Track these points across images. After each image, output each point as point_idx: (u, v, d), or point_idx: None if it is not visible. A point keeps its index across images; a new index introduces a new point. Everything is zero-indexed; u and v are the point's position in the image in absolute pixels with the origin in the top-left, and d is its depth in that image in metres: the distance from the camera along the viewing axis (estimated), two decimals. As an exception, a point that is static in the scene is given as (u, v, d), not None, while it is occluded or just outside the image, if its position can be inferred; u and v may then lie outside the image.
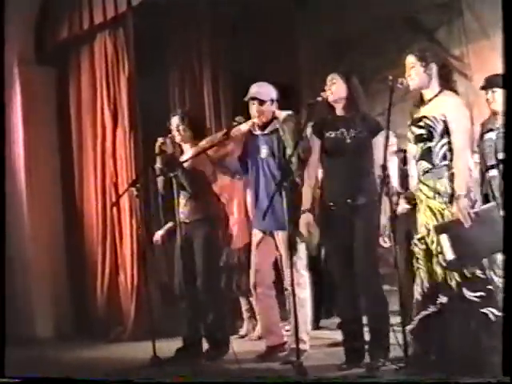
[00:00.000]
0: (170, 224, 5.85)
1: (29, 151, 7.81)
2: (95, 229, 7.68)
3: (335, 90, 4.67)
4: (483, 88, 5.21)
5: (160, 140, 5.54)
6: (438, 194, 4.09)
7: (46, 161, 7.97)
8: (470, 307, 4.00)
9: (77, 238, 7.91)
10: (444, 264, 4.03)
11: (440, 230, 4.04)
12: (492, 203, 4.37)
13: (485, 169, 5.11)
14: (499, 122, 5.01)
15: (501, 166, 4.97)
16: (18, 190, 7.69)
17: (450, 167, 4.12)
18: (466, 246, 3.99)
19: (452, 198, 4.05)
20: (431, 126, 4.14)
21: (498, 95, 5.07)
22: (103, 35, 7.61)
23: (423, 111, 4.22)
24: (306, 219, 4.70)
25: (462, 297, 4.02)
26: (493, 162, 5.04)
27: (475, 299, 4.00)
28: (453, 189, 4.05)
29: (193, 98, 7.85)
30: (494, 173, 5.04)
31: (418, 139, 4.19)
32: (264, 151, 5.16)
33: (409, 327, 4.15)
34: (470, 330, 3.98)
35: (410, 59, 4.26)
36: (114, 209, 7.29)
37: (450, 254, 3.99)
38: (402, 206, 5.47)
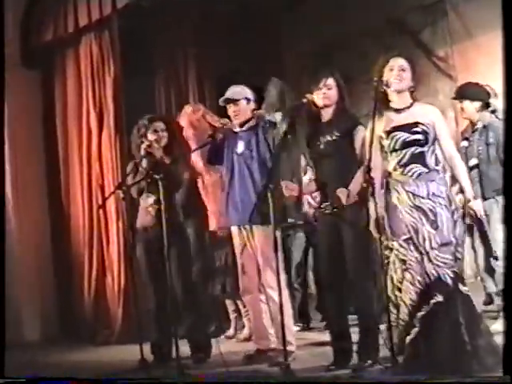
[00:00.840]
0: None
1: (14, 154, 7.78)
2: (82, 231, 7.66)
3: (329, 95, 4.67)
4: (454, 99, 5.34)
5: (146, 142, 5.52)
6: (433, 194, 4.16)
7: (31, 163, 7.95)
8: (466, 301, 4.09)
9: (63, 241, 7.89)
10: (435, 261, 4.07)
11: None
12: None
13: None
14: (476, 128, 5.22)
15: (471, 174, 5.11)
16: (4, 193, 7.65)
17: (439, 172, 4.24)
18: None
19: (450, 199, 4.20)
20: (427, 132, 4.22)
21: (465, 105, 5.25)
22: (88, 38, 7.61)
23: (403, 118, 4.25)
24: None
25: (459, 292, 4.09)
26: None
27: (468, 293, 4.12)
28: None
29: (178, 99, 7.86)
30: None
31: (411, 144, 4.22)
32: (241, 147, 5.24)
33: (414, 331, 4.14)
34: (470, 323, 4.04)
35: (400, 62, 4.31)
36: (101, 211, 7.27)
37: None
38: None
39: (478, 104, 5.22)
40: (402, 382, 3.99)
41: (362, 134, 4.54)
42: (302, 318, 6.67)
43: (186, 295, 5.39)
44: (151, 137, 5.48)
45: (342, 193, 4.47)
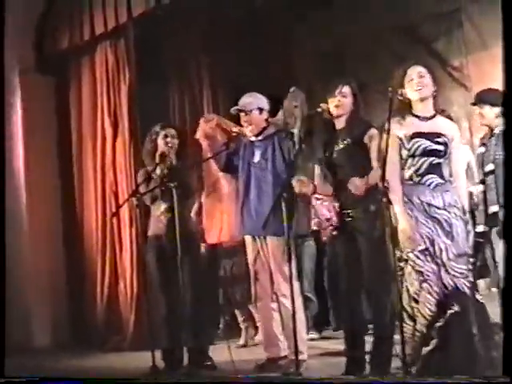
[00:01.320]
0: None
1: (29, 160, 7.83)
2: (95, 238, 7.70)
3: (344, 103, 4.63)
4: (473, 104, 5.30)
5: (161, 149, 5.54)
6: (449, 204, 4.17)
7: (46, 170, 7.99)
8: (483, 310, 4.11)
9: (76, 247, 7.93)
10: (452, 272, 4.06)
11: None
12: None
13: (475, 184, 5.23)
14: (494, 133, 5.15)
15: (487, 179, 5.05)
16: (18, 200, 7.70)
17: (452, 182, 4.25)
18: None
19: (464, 210, 4.22)
20: (447, 145, 4.23)
21: (485, 111, 5.17)
22: (104, 46, 7.66)
23: (427, 126, 4.25)
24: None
25: (476, 300, 4.11)
26: (480, 176, 5.13)
27: (483, 301, 4.15)
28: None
29: (192, 107, 7.88)
30: (480, 188, 5.14)
31: (431, 153, 4.22)
32: (257, 156, 5.22)
33: (433, 342, 4.13)
34: (488, 332, 4.05)
35: (419, 69, 4.30)
36: (114, 218, 7.29)
37: None
38: None
39: (497, 109, 5.16)
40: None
41: (374, 135, 4.52)
42: (316, 327, 6.65)
43: (195, 303, 5.39)
44: (162, 143, 5.50)
45: (352, 183, 4.42)
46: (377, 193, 4.31)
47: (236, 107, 5.30)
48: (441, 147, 4.22)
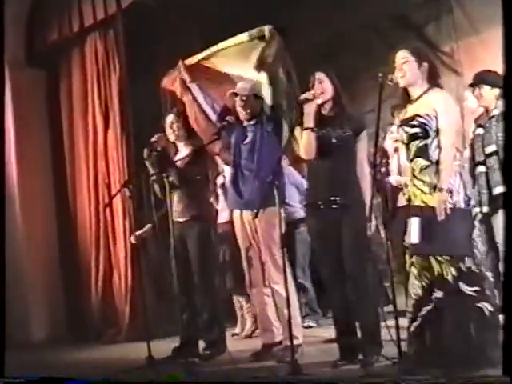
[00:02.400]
0: (148, 225, 5.84)
1: (21, 154, 7.81)
2: (88, 230, 7.70)
3: (323, 89, 4.67)
4: (471, 85, 5.26)
5: (153, 138, 5.54)
6: (438, 189, 4.08)
7: (38, 163, 7.98)
8: (466, 301, 4.02)
9: (70, 240, 7.93)
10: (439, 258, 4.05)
11: (414, 212, 4.08)
12: (466, 207, 4.33)
13: (473, 165, 5.15)
14: (493, 115, 5.08)
15: (488, 161, 5.01)
16: (11, 193, 7.68)
17: (440, 163, 4.13)
18: (433, 236, 4.05)
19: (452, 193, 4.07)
20: (426, 124, 4.15)
21: (484, 92, 5.12)
22: (93, 37, 7.64)
23: (412, 109, 4.23)
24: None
25: (459, 291, 4.02)
26: (481, 157, 5.08)
27: (471, 293, 4.02)
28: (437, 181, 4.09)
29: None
30: (481, 169, 5.09)
31: (413, 138, 4.19)
32: (248, 139, 5.27)
33: (414, 324, 4.13)
34: (466, 324, 3.99)
35: (403, 54, 4.26)
36: (107, 209, 7.29)
37: (415, 238, 4.07)
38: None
39: (497, 91, 5.13)
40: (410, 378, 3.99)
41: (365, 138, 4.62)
42: (311, 314, 6.67)
43: (204, 290, 5.46)
44: (170, 131, 5.56)
45: None
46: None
47: (233, 91, 5.33)
48: (416, 129, 4.15)
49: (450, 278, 4.04)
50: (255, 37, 5.46)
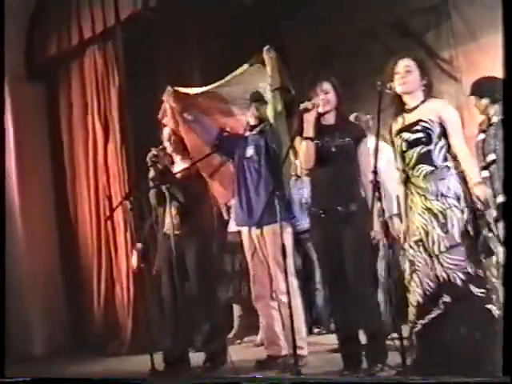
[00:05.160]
0: (139, 245, 5.86)
1: (21, 168, 7.80)
2: (90, 242, 7.68)
3: (327, 100, 4.67)
4: (471, 94, 5.26)
5: (153, 151, 5.55)
6: (442, 195, 4.10)
7: (38, 176, 7.97)
8: (477, 303, 4.03)
9: (72, 252, 7.90)
10: (445, 264, 4.02)
11: None
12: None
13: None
14: (492, 122, 5.09)
15: (491, 168, 5.01)
16: (12, 206, 7.67)
17: (450, 168, 4.15)
18: None
19: (459, 198, 4.09)
20: (429, 129, 4.16)
21: (483, 101, 5.13)
22: (92, 50, 7.64)
23: (411, 117, 4.23)
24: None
25: (470, 293, 4.03)
26: (483, 163, 5.08)
27: (481, 295, 4.04)
28: (462, 188, 4.13)
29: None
30: (484, 174, 5.08)
31: (415, 144, 4.19)
32: (250, 151, 5.26)
33: (415, 331, 4.12)
34: (478, 326, 4.00)
35: (406, 62, 4.27)
36: (108, 222, 7.28)
37: None
38: None
39: (486, 100, 5.14)
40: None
41: (365, 146, 4.61)
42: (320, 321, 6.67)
43: (203, 302, 5.43)
44: (168, 144, 5.53)
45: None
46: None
47: (259, 91, 5.36)
48: (420, 134, 4.17)
49: (458, 282, 4.03)
50: (255, 63, 5.46)
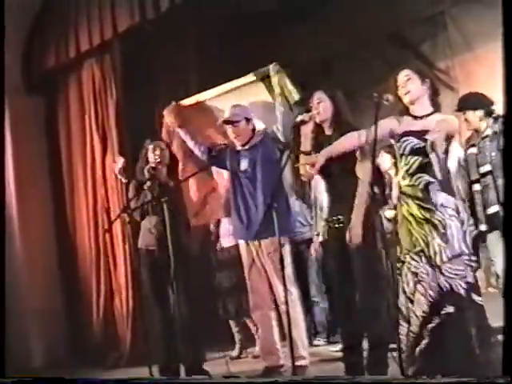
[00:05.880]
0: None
1: (20, 179, 7.80)
2: (88, 255, 7.68)
3: (322, 109, 4.65)
4: (458, 110, 5.28)
5: (151, 164, 5.56)
6: (442, 205, 4.11)
7: (37, 188, 7.97)
8: (479, 311, 4.06)
9: (70, 265, 7.90)
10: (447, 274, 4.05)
11: None
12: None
13: (469, 183, 5.17)
14: (486, 135, 5.13)
15: (483, 180, 5.04)
16: (10, 218, 7.67)
17: (447, 181, 4.19)
18: None
19: (458, 209, 4.13)
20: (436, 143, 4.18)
21: (469, 116, 5.17)
22: (90, 62, 7.66)
23: (420, 124, 4.23)
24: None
25: (472, 301, 4.05)
26: (476, 176, 5.11)
27: (482, 303, 4.07)
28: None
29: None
30: (476, 187, 5.12)
31: (418, 151, 4.20)
32: (244, 164, 5.23)
33: (423, 341, 4.11)
34: (484, 333, 4.02)
35: (406, 72, 4.29)
36: (107, 235, 7.27)
37: None
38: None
39: (480, 112, 5.18)
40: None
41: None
42: (323, 332, 6.65)
43: (191, 317, 5.40)
44: (152, 156, 5.52)
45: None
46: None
47: (223, 119, 5.30)
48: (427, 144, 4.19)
49: (461, 291, 4.05)
50: (262, 77, 5.47)
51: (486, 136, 5.16)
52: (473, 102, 5.19)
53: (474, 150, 5.22)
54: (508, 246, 3.64)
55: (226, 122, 5.28)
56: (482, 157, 5.12)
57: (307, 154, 4.60)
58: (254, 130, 5.30)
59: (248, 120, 5.27)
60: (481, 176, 5.09)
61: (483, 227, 5.13)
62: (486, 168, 5.10)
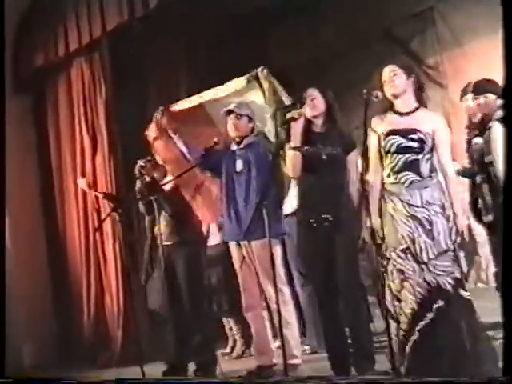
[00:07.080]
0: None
1: (9, 179, 7.75)
2: (79, 254, 7.65)
3: (314, 105, 4.66)
4: (473, 92, 5.24)
5: (140, 163, 5.56)
6: (427, 202, 4.13)
7: (26, 188, 7.93)
8: (467, 306, 4.09)
9: (61, 265, 7.87)
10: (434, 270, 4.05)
11: None
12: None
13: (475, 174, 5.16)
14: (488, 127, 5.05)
15: (489, 169, 5.02)
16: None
17: (433, 178, 4.20)
18: None
19: (444, 206, 4.15)
20: (424, 141, 4.19)
21: (487, 100, 5.12)
22: (79, 61, 7.62)
23: (404, 122, 4.23)
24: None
25: (460, 297, 4.07)
26: (482, 167, 5.09)
27: (470, 298, 4.10)
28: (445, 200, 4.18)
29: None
30: (482, 178, 5.11)
31: (405, 150, 4.20)
32: (239, 165, 5.24)
33: (411, 339, 4.12)
34: (473, 328, 4.05)
35: (391, 67, 4.29)
36: (97, 234, 7.26)
37: None
38: None
39: (499, 100, 5.10)
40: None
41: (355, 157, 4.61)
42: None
43: (194, 313, 5.45)
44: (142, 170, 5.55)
45: None
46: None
47: (229, 107, 5.31)
48: (415, 144, 4.19)
49: (448, 287, 4.06)
50: (252, 78, 5.46)
51: (491, 127, 5.05)
52: (492, 86, 5.10)
53: (479, 140, 5.15)
54: (506, 243, 3.64)
55: (230, 112, 5.29)
56: (488, 146, 5.05)
57: (298, 149, 4.60)
58: (252, 130, 5.34)
59: (250, 119, 5.32)
60: (487, 166, 5.03)
61: (490, 217, 5.10)
62: (490, 158, 5.04)
